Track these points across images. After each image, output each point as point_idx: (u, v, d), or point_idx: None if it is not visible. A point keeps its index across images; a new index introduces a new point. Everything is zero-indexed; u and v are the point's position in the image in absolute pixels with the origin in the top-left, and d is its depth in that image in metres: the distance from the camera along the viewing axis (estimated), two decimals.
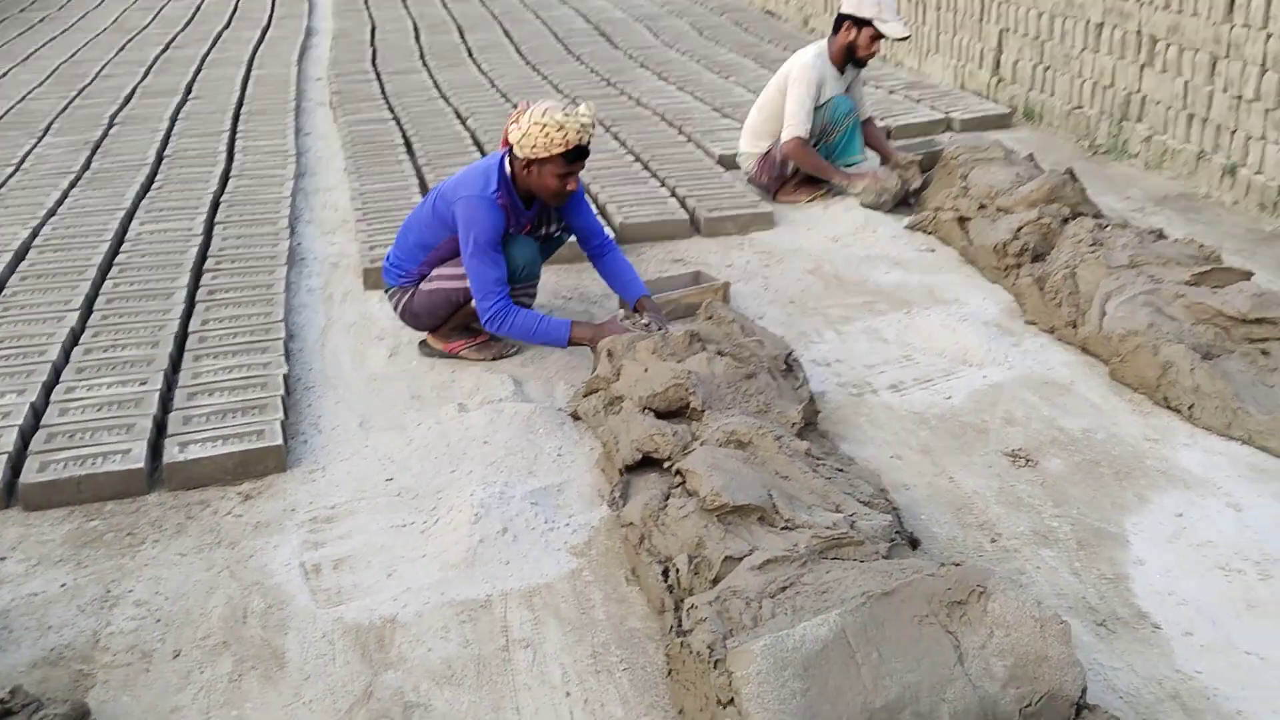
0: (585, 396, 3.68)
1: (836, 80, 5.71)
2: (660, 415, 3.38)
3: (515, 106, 4.09)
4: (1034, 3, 6.83)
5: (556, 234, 4.28)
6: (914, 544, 2.90)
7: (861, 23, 5.58)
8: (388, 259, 4.21)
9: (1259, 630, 2.68)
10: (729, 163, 6.23)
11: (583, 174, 5.76)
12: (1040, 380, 3.88)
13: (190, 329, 4.26)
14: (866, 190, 5.54)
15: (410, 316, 4.16)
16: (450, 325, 4.14)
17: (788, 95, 5.63)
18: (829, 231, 5.34)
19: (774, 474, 2.95)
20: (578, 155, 3.82)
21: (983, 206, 5.04)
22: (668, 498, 2.95)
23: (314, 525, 3.17)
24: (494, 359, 4.12)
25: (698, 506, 2.80)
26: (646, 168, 6.11)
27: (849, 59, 5.68)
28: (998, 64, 7.31)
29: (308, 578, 2.95)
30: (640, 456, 3.20)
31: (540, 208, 4.09)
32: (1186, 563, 2.93)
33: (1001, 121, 6.91)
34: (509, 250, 3.96)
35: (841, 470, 3.06)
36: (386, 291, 4.24)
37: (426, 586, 2.89)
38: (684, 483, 2.95)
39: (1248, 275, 4.11)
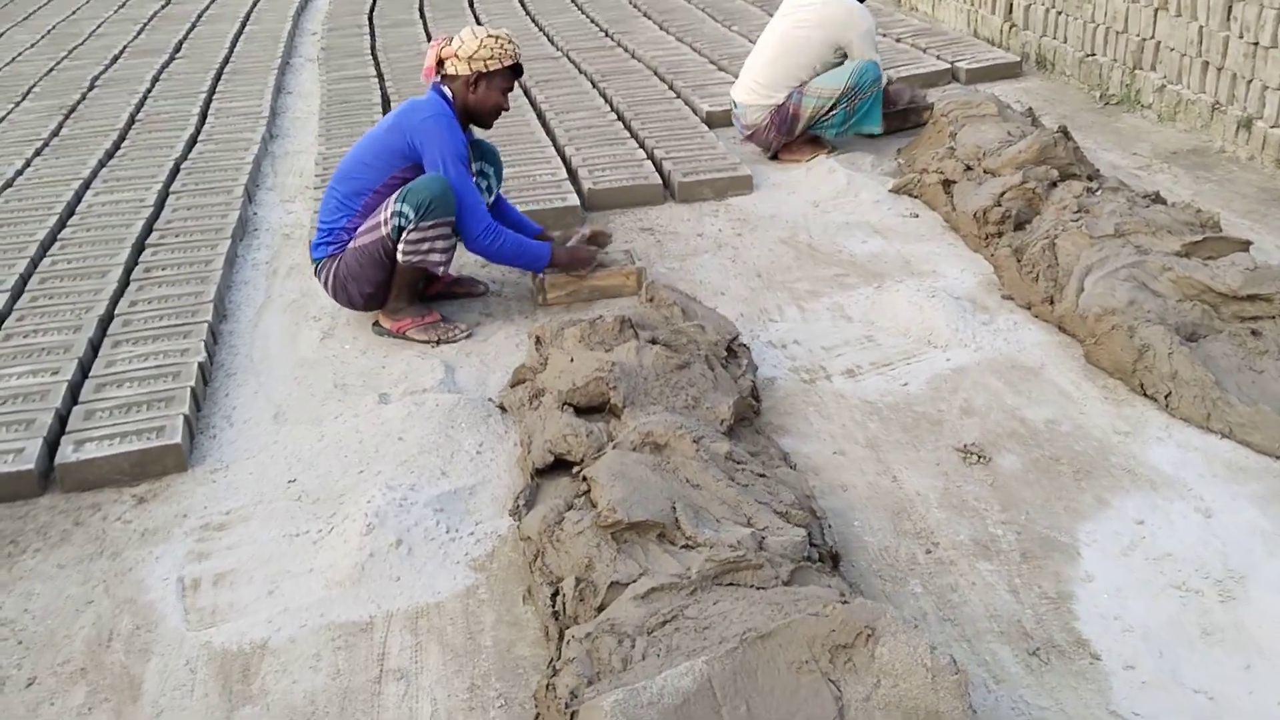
0: (513, 387, 3.44)
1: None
2: (581, 411, 3.14)
3: (441, 40, 3.89)
4: None
5: (475, 176, 4.03)
6: (834, 560, 2.64)
7: None
8: (316, 236, 3.97)
9: (1211, 664, 2.40)
10: (717, 120, 5.92)
11: (560, 133, 5.52)
12: (1008, 363, 3.58)
13: (117, 311, 4.06)
14: None
15: (340, 288, 3.90)
16: (395, 294, 3.89)
17: (856, 43, 5.20)
18: (809, 196, 5.03)
19: (685, 482, 2.70)
20: (518, 71, 3.91)
21: (969, 168, 4.70)
22: (569, 508, 2.71)
23: (203, 533, 2.97)
24: (438, 343, 3.89)
25: (593, 522, 2.56)
26: (628, 128, 5.81)
27: None
28: (1010, 8, 6.89)
29: (184, 595, 2.75)
30: (552, 459, 2.96)
31: (470, 143, 4.00)
32: (1140, 580, 2.65)
33: (1010, 70, 6.51)
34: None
35: (763, 475, 2.80)
36: (316, 271, 3.99)
37: (306, 607, 2.68)
38: (589, 491, 2.71)
39: (1245, 245, 3.77)
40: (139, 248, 4.64)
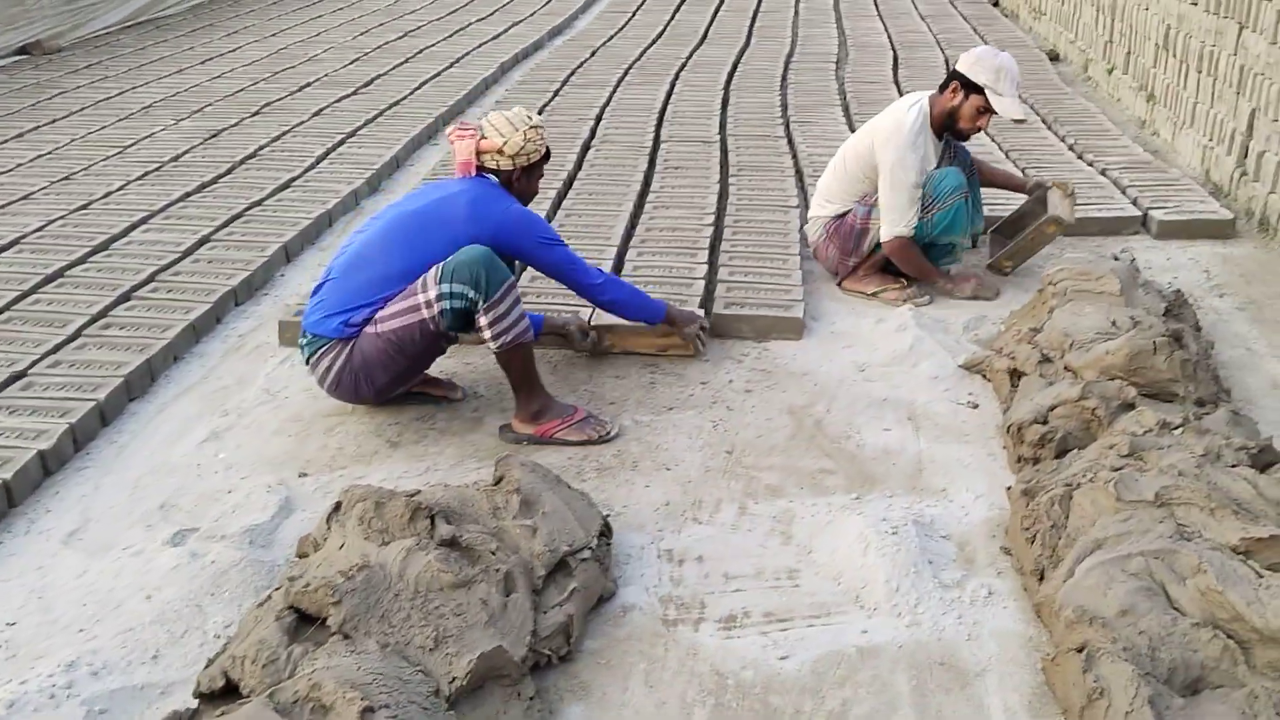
0: (299, 556, 2.84)
1: (934, 151, 4.46)
2: (307, 619, 2.50)
3: (470, 132, 3.64)
4: None
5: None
6: None
7: (971, 87, 4.31)
8: (319, 311, 3.52)
9: None
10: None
11: (640, 232, 4.92)
12: (937, 659, 2.63)
13: (31, 370, 3.81)
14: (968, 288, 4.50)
15: (350, 376, 3.47)
16: (524, 396, 3.54)
17: (881, 172, 4.44)
18: (862, 355, 4.13)
19: None
20: (549, 156, 3.80)
21: (1046, 359, 3.68)
22: None
23: None
24: (596, 441, 3.56)
25: None
26: (717, 237, 5.07)
27: (949, 127, 4.41)
28: (1246, 152, 5.61)
29: None
30: (223, 683, 2.34)
31: None
32: None
33: (1217, 230, 5.25)
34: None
35: None
36: (310, 357, 3.55)
37: None
38: None
39: None
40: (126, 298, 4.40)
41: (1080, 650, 2.45)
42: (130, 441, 3.56)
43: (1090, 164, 6.09)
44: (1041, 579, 2.81)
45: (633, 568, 2.95)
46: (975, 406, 3.79)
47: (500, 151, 3.59)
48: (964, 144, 4.67)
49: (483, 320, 3.37)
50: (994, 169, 4.91)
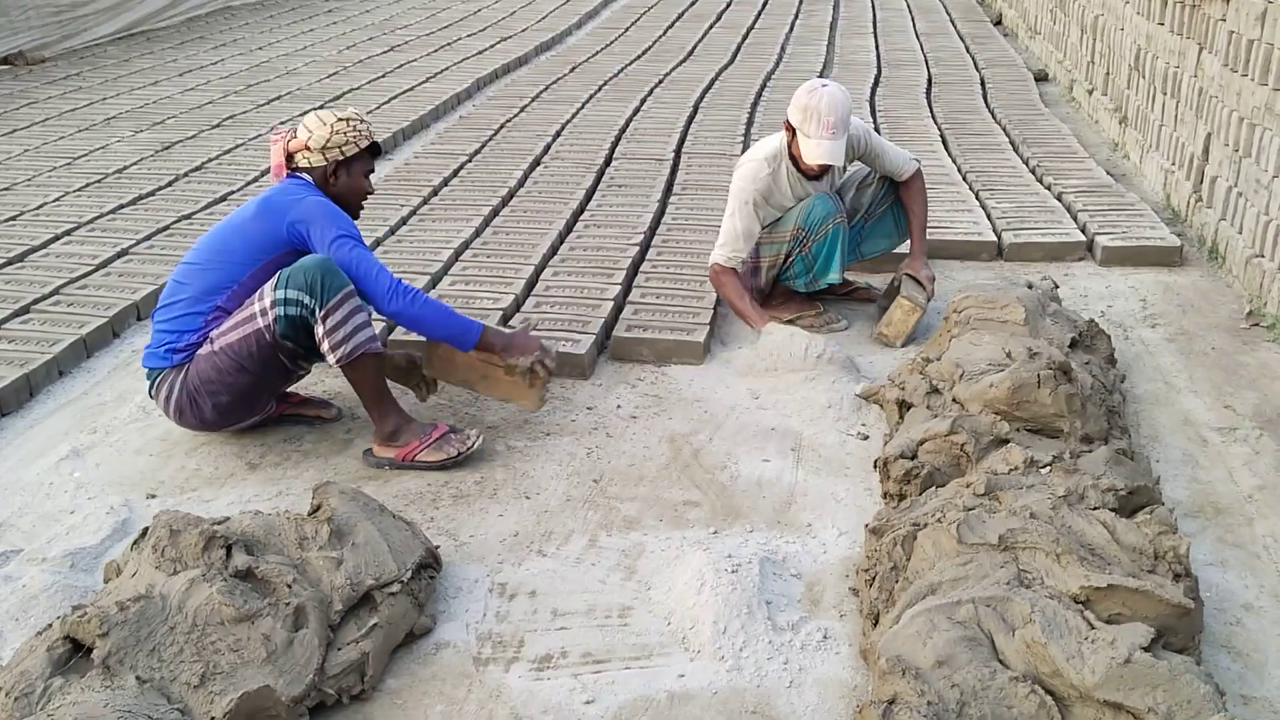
0: (105, 582, 2.75)
1: (801, 183, 4.29)
2: (83, 649, 2.39)
3: (282, 135, 3.53)
4: (1237, 100, 4.94)
5: None
6: None
7: (792, 127, 4.15)
8: (149, 348, 3.47)
9: None
10: None
11: (565, 251, 4.79)
12: (748, 709, 2.49)
13: None
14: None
15: (189, 401, 3.38)
16: (378, 415, 3.44)
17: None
18: (759, 381, 3.98)
19: None
20: (375, 150, 3.61)
21: (934, 391, 3.53)
22: None
23: None
24: (456, 459, 3.42)
25: None
26: (636, 265, 4.91)
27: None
28: (1202, 177, 5.42)
29: None
30: None
31: None
32: None
33: (1163, 257, 5.05)
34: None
35: None
36: (150, 390, 3.48)
37: None
38: None
39: (1183, 611, 2.47)
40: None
41: (891, 703, 2.31)
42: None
43: (1048, 187, 5.92)
44: (876, 623, 2.67)
45: (459, 602, 2.84)
46: (865, 438, 3.64)
47: (308, 148, 3.46)
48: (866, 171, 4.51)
49: (320, 330, 3.25)
50: (914, 210, 4.46)
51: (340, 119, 3.49)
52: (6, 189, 5.83)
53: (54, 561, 2.90)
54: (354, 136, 3.49)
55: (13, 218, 5.37)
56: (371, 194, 3.66)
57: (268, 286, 3.26)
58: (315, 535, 2.71)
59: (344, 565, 2.63)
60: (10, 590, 2.78)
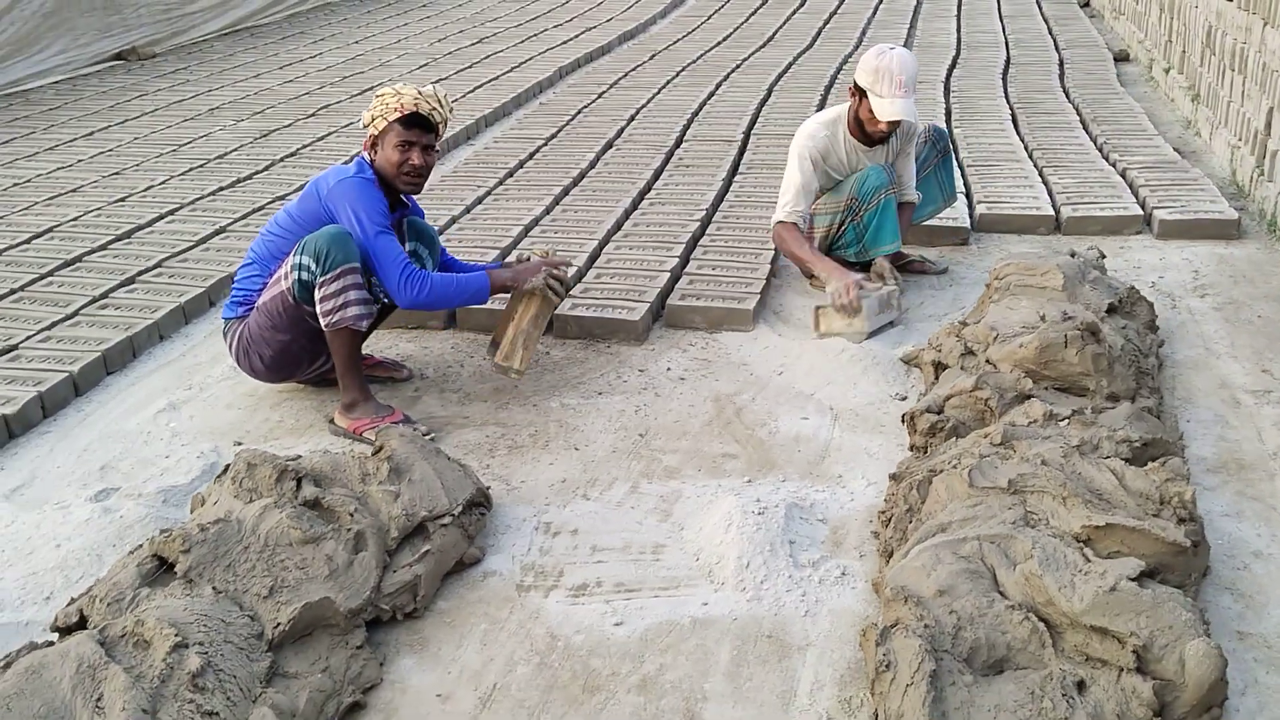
0: (191, 512, 3.06)
1: (857, 152, 4.46)
2: (169, 565, 2.70)
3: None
4: None
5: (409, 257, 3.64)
6: None
7: (861, 90, 4.30)
8: (228, 300, 3.79)
9: None
10: None
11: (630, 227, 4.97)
12: (766, 632, 2.69)
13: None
14: (827, 314, 4.23)
15: (244, 353, 3.69)
16: (342, 385, 3.62)
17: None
18: (806, 348, 4.17)
19: None
20: (413, 121, 3.54)
21: (969, 352, 3.68)
22: None
23: None
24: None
25: None
26: (695, 240, 5.12)
27: (861, 129, 4.39)
28: (1265, 151, 5.44)
29: None
30: (77, 618, 2.56)
31: (398, 222, 3.76)
32: None
33: (1220, 230, 5.09)
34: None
35: None
36: (225, 335, 3.82)
37: None
38: None
39: (1180, 549, 2.61)
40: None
41: (891, 626, 2.50)
42: (95, 410, 3.85)
43: (1114, 164, 5.97)
44: (890, 559, 2.85)
45: (507, 538, 3.09)
46: (903, 399, 3.81)
47: (366, 127, 3.61)
48: (935, 141, 4.68)
49: (316, 295, 3.44)
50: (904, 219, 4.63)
51: (379, 95, 3.56)
52: (117, 174, 6.26)
53: (148, 497, 3.23)
54: (387, 109, 3.52)
55: (122, 199, 5.78)
56: (414, 166, 3.57)
57: (291, 251, 3.52)
58: (376, 472, 2.99)
59: (401, 498, 2.90)
60: (109, 520, 3.10)
